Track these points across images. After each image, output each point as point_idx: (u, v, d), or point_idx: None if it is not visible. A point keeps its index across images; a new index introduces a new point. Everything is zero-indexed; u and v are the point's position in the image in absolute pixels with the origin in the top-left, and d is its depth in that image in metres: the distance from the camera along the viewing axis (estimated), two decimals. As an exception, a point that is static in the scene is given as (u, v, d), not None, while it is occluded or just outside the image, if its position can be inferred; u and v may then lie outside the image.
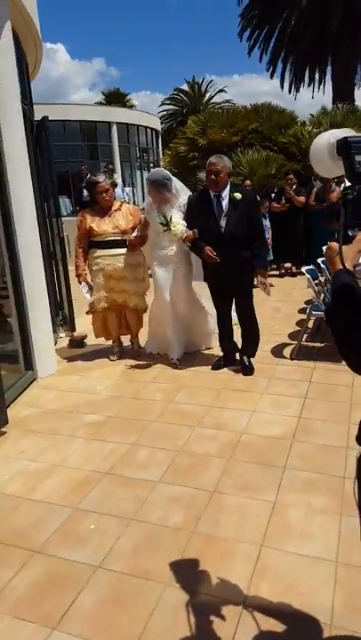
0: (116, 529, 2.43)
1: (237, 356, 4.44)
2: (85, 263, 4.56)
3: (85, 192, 9.58)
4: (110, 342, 4.95)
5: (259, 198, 7.79)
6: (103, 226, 4.45)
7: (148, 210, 4.43)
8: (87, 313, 4.73)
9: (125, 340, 5.01)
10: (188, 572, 2.14)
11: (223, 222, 4.01)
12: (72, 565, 2.22)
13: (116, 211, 4.54)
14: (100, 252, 4.49)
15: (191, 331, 4.73)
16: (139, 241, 4.45)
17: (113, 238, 4.46)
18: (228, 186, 4.04)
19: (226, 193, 4.01)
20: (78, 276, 4.53)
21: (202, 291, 4.58)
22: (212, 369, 4.37)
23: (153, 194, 4.29)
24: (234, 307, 4.34)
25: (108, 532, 2.41)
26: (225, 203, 4.00)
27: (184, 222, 4.14)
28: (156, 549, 2.28)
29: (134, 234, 4.45)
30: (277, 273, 8.35)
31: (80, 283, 4.53)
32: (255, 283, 4.33)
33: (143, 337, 4.95)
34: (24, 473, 2.98)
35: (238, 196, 3.98)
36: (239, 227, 3.98)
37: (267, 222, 7.55)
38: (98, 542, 2.35)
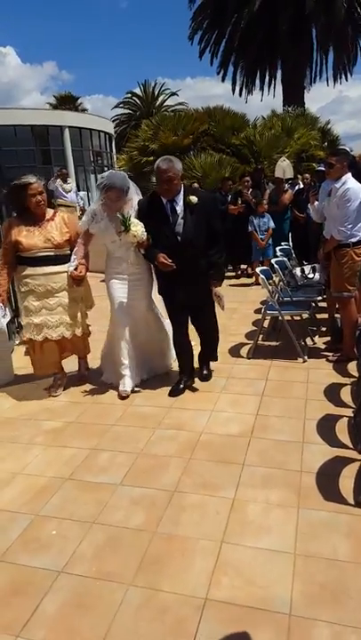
0: (78, 533, 2.43)
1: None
2: (7, 282, 3.93)
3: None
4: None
5: (254, 199, 7.91)
6: (32, 239, 3.76)
7: (94, 220, 3.82)
8: (19, 344, 4.25)
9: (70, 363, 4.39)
10: (150, 572, 2.17)
11: (179, 229, 3.65)
12: (34, 572, 2.21)
13: (48, 221, 3.87)
14: (29, 271, 3.82)
15: (150, 354, 4.25)
16: (84, 272, 3.88)
17: (45, 254, 3.80)
18: (182, 190, 3.69)
19: (180, 197, 3.66)
20: None
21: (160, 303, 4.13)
22: (171, 394, 3.91)
23: (112, 201, 3.73)
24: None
25: (69, 537, 2.41)
26: (180, 208, 3.65)
27: (142, 223, 3.67)
28: (117, 551, 2.30)
29: (72, 264, 3.84)
30: (234, 274, 8.49)
31: None
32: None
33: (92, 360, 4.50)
34: (-18, 483, 2.94)
35: (194, 199, 3.64)
36: (197, 233, 3.65)
37: (270, 223, 7.63)
38: (60, 547, 2.35)
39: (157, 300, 4.10)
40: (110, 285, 3.96)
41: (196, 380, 4.17)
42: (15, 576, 2.20)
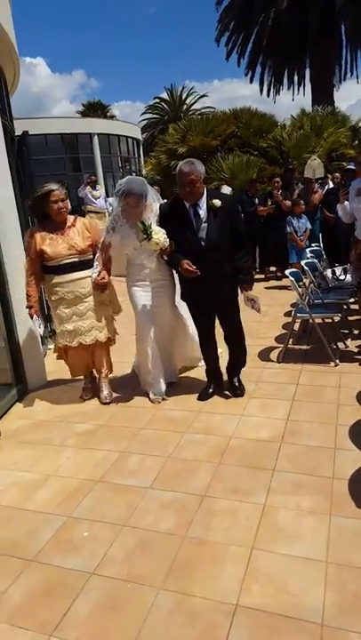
0: (109, 535, 2.46)
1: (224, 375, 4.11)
2: (37, 292, 3.93)
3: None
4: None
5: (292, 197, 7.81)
6: (57, 247, 3.79)
7: (114, 227, 3.76)
8: (55, 352, 4.22)
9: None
10: (180, 576, 2.17)
11: (203, 233, 3.56)
12: (67, 573, 2.25)
13: (70, 227, 3.89)
14: (57, 279, 3.86)
15: (177, 358, 4.28)
16: (107, 278, 3.88)
17: (70, 261, 3.83)
18: (205, 193, 3.59)
19: (203, 200, 3.56)
20: (29, 307, 3.87)
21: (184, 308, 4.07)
22: (200, 399, 3.92)
23: (131, 207, 3.65)
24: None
25: (100, 539, 2.44)
26: (203, 211, 3.56)
27: (164, 230, 3.60)
28: (148, 555, 2.32)
29: (95, 270, 3.86)
30: (263, 276, 8.44)
31: (31, 316, 3.91)
32: (242, 299, 3.83)
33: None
34: (17, 484, 3.00)
35: (218, 203, 3.54)
36: (221, 237, 3.56)
37: (307, 223, 7.53)
38: (91, 549, 2.38)
39: (181, 305, 4.05)
40: (133, 293, 3.92)
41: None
42: (48, 577, 2.24)
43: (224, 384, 4.07)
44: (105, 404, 4.02)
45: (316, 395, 3.85)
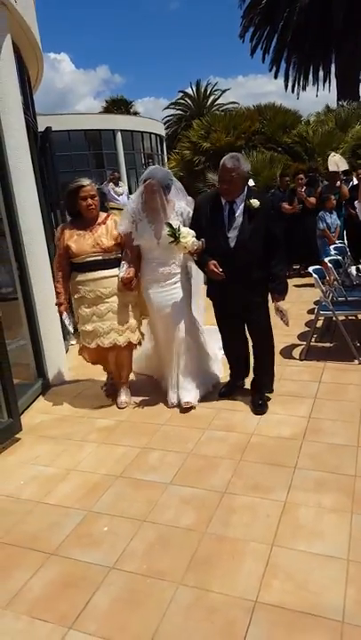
0: (129, 531, 2.47)
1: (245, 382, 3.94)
2: (67, 289, 3.83)
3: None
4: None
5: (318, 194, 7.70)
6: (83, 244, 3.67)
7: (134, 220, 3.65)
8: (79, 353, 4.08)
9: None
10: (199, 572, 2.17)
11: (233, 234, 3.36)
12: (86, 567, 2.27)
13: (100, 224, 3.75)
14: (79, 277, 3.75)
15: (194, 369, 3.90)
16: (133, 274, 3.70)
17: (93, 258, 3.69)
18: (245, 191, 3.37)
19: (241, 199, 3.35)
20: (58, 305, 3.82)
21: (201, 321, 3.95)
22: (221, 395, 3.83)
23: (154, 197, 3.51)
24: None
25: (120, 534, 2.45)
26: (239, 211, 3.35)
27: (193, 232, 3.41)
28: (167, 550, 2.32)
29: (123, 269, 3.70)
30: (286, 274, 8.35)
31: (60, 314, 3.86)
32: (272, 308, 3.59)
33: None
34: (38, 478, 3.04)
35: (256, 203, 3.30)
36: (253, 241, 3.33)
37: (336, 219, 7.32)
38: (111, 544, 2.40)
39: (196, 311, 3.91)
40: (147, 294, 3.76)
41: (247, 381, 3.99)
42: (68, 570, 2.26)
43: (243, 381, 3.97)
44: (121, 408, 3.90)
45: (338, 392, 3.80)
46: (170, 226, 3.41)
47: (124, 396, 3.98)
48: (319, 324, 4.97)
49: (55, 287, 3.84)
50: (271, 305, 3.58)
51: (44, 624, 1.99)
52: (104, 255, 3.70)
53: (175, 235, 3.38)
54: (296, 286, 7.64)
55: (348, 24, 19.68)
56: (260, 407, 3.61)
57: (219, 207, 3.40)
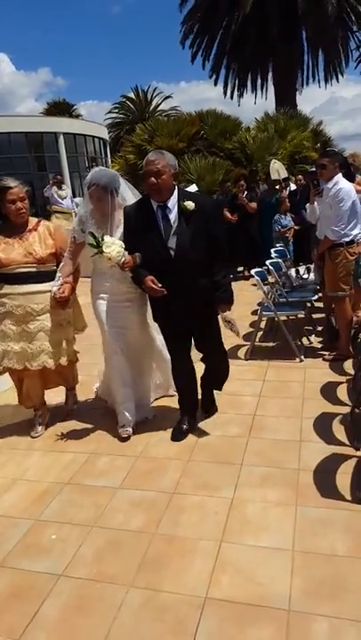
0: (78, 537, 2.45)
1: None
2: None
3: None
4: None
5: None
6: (11, 252, 3.25)
7: (83, 229, 3.28)
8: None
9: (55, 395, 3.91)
10: (150, 573, 2.18)
11: (172, 242, 3.00)
12: (35, 576, 2.22)
13: (30, 231, 3.35)
14: (6, 289, 3.31)
15: (146, 387, 3.72)
16: (69, 292, 3.32)
17: (25, 270, 3.28)
18: (176, 192, 3.05)
19: (173, 202, 3.02)
20: None
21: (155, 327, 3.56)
22: (173, 438, 3.31)
23: (94, 200, 3.21)
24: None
25: (69, 541, 2.42)
26: (173, 215, 3.01)
27: (121, 242, 3.05)
28: (117, 554, 2.32)
29: (57, 283, 3.31)
30: (231, 280, 8.51)
31: None
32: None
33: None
34: (-18, 489, 2.95)
35: (191, 205, 2.97)
36: (195, 247, 2.99)
37: (291, 221, 7.38)
38: (60, 551, 2.36)
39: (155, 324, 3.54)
40: (97, 307, 3.38)
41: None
42: (16, 581, 2.21)
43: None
44: (69, 413, 3.72)
45: (282, 390, 3.92)
46: (92, 235, 3.03)
47: (70, 403, 3.86)
48: (263, 324, 5.11)
49: None
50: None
51: (-9, 638, 1.94)
52: (38, 267, 3.30)
53: (97, 244, 2.98)
54: (240, 288, 7.82)
55: (284, 34, 20.30)
56: (206, 406, 3.58)
57: (150, 213, 3.04)
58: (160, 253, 3.01)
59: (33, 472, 3.09)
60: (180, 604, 2.00)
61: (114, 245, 3.00)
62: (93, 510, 2.64)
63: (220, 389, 3.67)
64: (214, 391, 3.67)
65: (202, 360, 3.49)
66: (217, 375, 3.56)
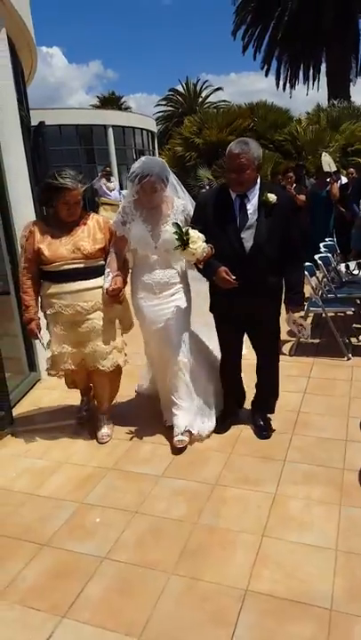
0: (121, 522, 2.50)
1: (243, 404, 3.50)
2: (36, 301, 3.17)
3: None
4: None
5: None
6: (58, 248, 3.01)
7: (125, 221, 3.07)
8: (50, 375, 3.39)
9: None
10: (191, 562, 2.20)
11: (248, 235, 2.82)
12: (79, 557, 2.29)
13: (79, 225, 3.10)
14: (53, 289, 3.08)
15: (202, 390, 3.38)
16: (122, 284, 3.10)
17: (72, 266, 3.03)
18: (258, 184, 2.86)
19: (254, 193, 2.84)
20: (28, 321, 3.15)
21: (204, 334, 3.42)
22: (216, 431, 3.28)
23: (146, 193, 2.94)
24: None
25: (112, 525, 2.48)
26: (251, 206, 2.83)
27: (203, 236, 2.77)
28: (159, 541, 2.35)
29: (107, 278, 3.08)
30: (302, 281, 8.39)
31: (31, 332, 3.18)
32: (286, 321, 3.13)
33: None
34: (30, 470, 3.05)
35: (273, 198, 2.79)
36: (271, 242, 2.83)
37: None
38: (103, 535, 2.42)
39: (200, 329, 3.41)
40: (138, 304, 3.18)
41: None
42: (61, 560, 2.28)
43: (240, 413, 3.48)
44: (102, 443, 3.30)
45: (327, 388, 3.85)
46: (178, 227, 2.76)
47: (105, 429, 3.38)
48: (309, 320, 5.02)
49: (23, 300, 3.16)
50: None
51: (37, 613, 2.01)
52: (86, 262, 3.06)
53: (183, 239, 2.73)
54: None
55: (337, 24, 19.77)
56: (264, 431, 3.24)
57: (227, 203, 2.86)
58: (234, 245, 2.84)
59: (78, 457, 3.17)
60: (220, 595, 2.02)
61: (199, 241, 2.75)
62: (136, 496, 2.69)
63: (272, 411, 3.36)
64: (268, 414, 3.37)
65: (256, 371, 3.31)
66: (267, 393, 3.32)
